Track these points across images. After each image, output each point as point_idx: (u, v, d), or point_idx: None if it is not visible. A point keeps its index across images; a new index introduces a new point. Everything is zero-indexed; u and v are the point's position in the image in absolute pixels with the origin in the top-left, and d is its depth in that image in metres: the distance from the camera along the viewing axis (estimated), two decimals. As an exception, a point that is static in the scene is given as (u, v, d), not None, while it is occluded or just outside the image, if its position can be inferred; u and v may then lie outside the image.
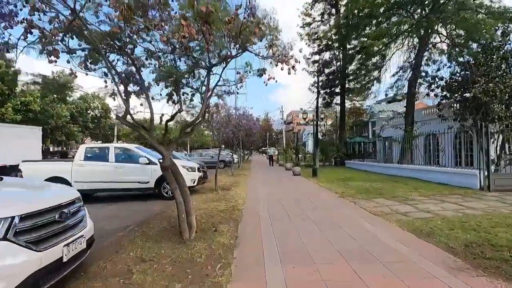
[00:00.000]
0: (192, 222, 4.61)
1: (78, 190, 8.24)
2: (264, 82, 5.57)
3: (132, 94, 4.39)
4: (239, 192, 9.38)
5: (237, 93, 6.08)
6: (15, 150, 14.57)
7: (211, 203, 7.41)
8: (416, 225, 5.02)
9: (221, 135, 12.77)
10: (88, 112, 39.41)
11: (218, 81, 5.45)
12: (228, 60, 4.99)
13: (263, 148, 70.98)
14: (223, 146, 38.81)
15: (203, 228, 5.03)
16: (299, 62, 4.27)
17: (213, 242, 4.22)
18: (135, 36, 3.77)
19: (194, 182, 8.96)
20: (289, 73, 4.37)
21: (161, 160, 4.30)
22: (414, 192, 8.70)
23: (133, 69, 4.43)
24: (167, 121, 4.47)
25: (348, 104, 27.28)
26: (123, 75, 4.22)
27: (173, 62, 4.30)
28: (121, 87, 4.79)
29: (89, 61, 4.01)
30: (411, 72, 15.99)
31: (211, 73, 5.41)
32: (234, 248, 4.03)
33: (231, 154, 24.02)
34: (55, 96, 30.71)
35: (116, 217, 6.50)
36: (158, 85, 4.44)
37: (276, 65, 4.33)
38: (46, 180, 7.91)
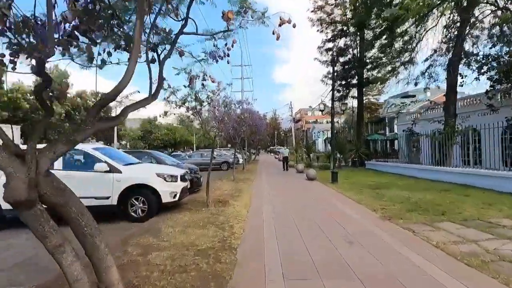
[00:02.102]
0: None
1: (9, 211, 5.85)
2: (273, 33, 3.21)
3: None
4: (239, 208, 6.89)
5: (228, 55, 3.55)
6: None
7: (192, 231, 4.94)
8: None
9: (220, 131, 10.27)
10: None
11: (185, 24, 2.98)
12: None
13: (271, 147, 68.06)
14: (229, 146, 36.21)
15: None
16: None
17: None
18: None
19: (175, 196, 6.43)
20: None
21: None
22: (489, 209, 6.03)
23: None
24: (37, 90, 1.96)
25: (362, 99, 24.34)
26: None
27: None
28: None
29: None
30: (451, 51, 13.09)
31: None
32: None
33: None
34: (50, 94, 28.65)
35: (33, 263, 4.09)
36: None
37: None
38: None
